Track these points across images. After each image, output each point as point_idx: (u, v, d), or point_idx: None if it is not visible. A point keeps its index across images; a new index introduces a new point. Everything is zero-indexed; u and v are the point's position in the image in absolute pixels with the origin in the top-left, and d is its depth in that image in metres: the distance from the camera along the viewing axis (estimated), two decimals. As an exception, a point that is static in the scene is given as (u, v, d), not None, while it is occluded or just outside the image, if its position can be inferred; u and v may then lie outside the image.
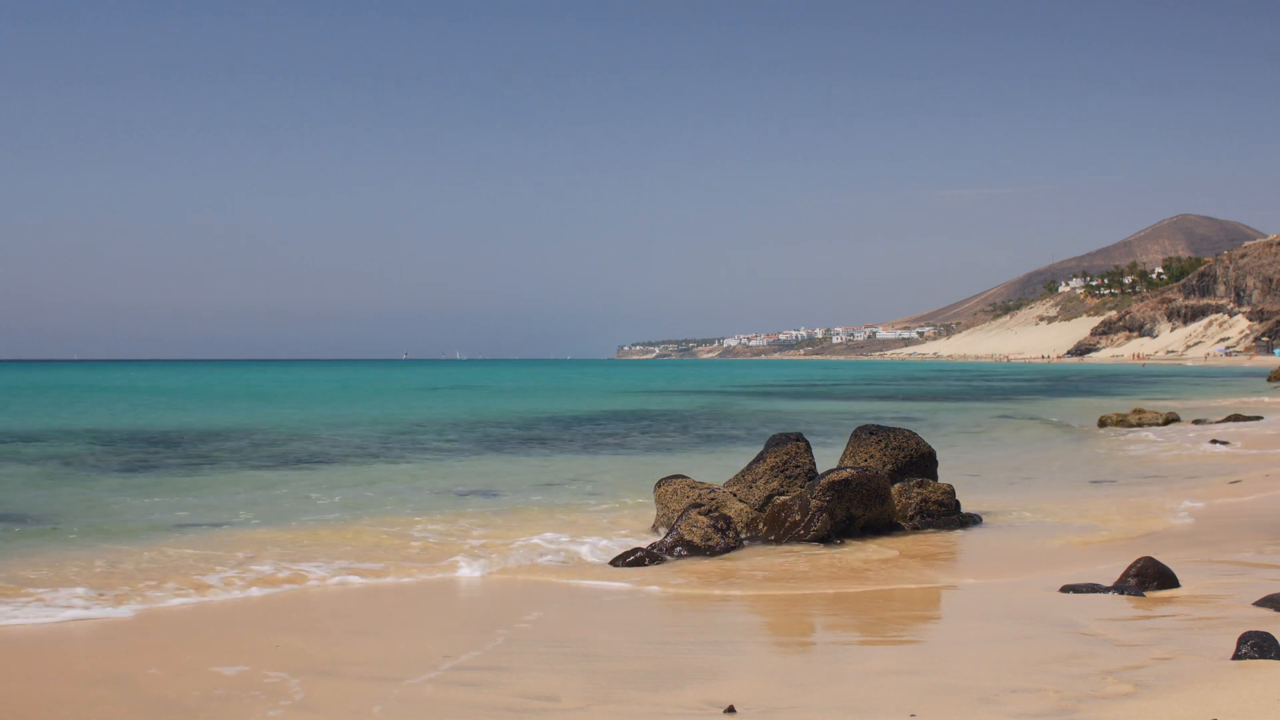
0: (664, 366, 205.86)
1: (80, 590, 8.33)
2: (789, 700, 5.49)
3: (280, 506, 13.84)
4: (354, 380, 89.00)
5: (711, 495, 11.65)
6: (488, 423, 32.31)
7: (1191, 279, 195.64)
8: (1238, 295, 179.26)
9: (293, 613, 7.89)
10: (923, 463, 12.12)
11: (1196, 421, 28.61)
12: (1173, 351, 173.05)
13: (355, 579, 9.10)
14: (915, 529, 11.25)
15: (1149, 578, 8.40)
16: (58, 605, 7.86)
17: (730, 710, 5.30)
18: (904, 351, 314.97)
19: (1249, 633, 5.98)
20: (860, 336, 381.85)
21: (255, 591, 8.60)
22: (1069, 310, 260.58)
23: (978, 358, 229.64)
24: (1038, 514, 12.36)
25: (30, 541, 10.92)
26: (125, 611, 7.81)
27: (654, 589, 8.86)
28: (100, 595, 8.23)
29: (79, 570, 9.24)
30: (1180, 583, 8.33)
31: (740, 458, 18.47)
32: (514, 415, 36.42)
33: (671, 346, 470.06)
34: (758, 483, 11.58)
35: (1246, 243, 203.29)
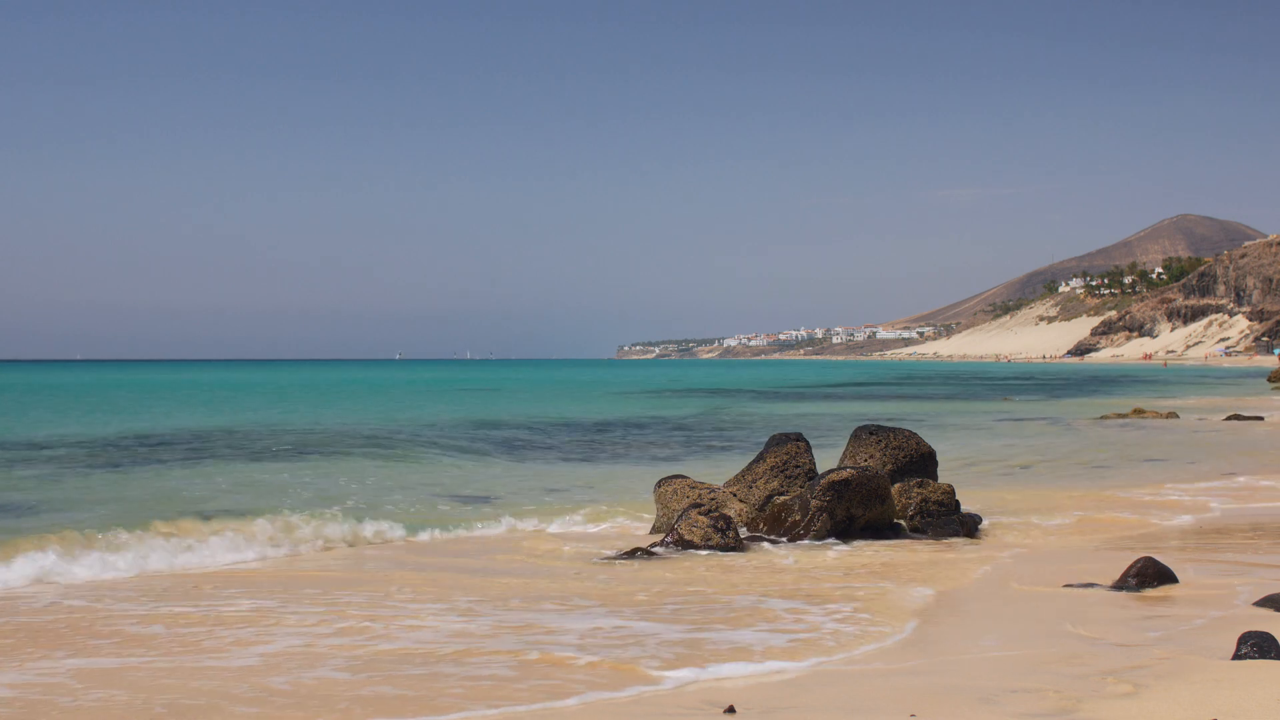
0: (664, 366, 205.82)
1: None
2: (789, 700, 5.49)
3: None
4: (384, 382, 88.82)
5: (711, 495, 11.66)
6: (488, 424, 32.30)
7: (1191, 279, 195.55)
8: (1238, 295, 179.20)
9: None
10: (923, 462, 12.11)
11: (1197, 420, 28.64)
12: (1172, 351, 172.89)
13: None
14: (915, 529, 11.25)
15: (1149, 577, 8.40)
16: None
17: (730, 710, 5.30)
18: (904, 351, 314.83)
19: (1249, 633, 5.99)
20: (860, 336, 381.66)
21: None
22: (1069, 310, 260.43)
23: (980, 357, 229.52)
24: (1038, 513, 12.36)
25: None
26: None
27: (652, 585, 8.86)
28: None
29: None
30: (1180, 582, 8.33)
31: (740, 458, 18.46)
32: (514, 416, 36.42)
33: (671, 346, 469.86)
34: (758, 483, 11.58)
35: (1246, 243, 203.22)
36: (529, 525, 12.03)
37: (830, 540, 10.73)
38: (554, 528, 11.91)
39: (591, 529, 11.92)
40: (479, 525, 12.02)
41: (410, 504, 14.10)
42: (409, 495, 15.05)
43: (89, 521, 11.66)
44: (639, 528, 11.95)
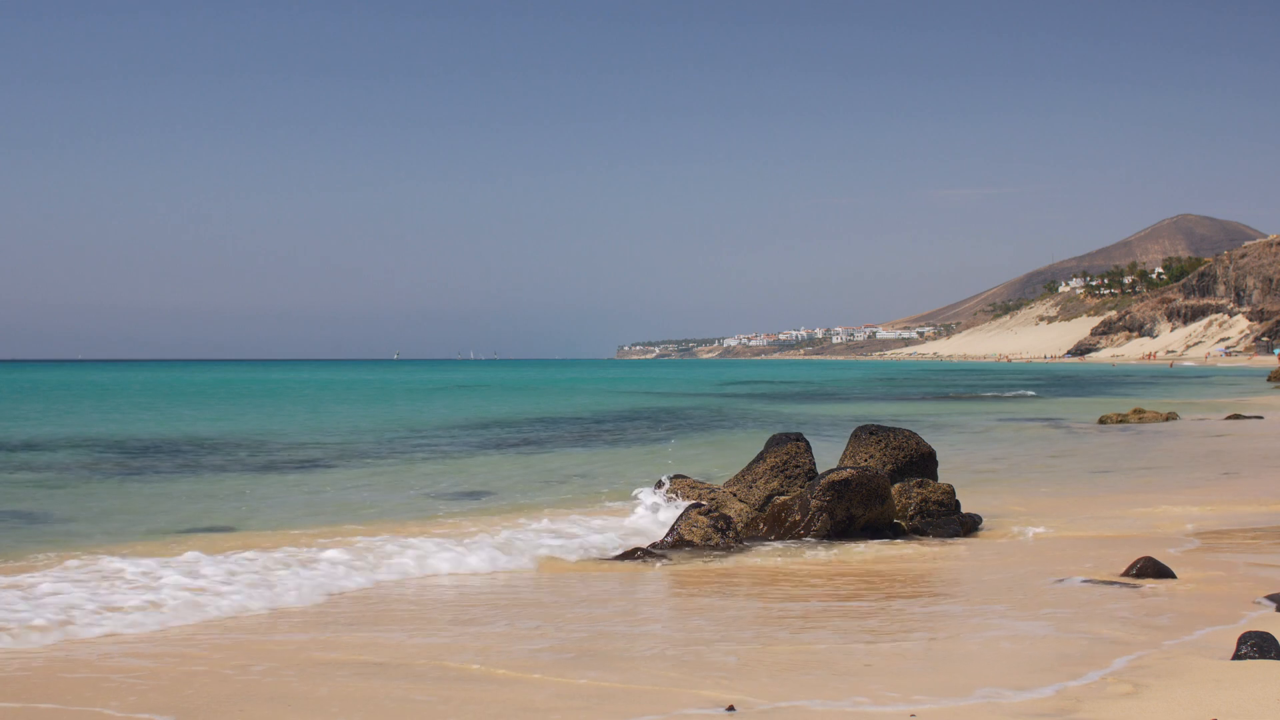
0: (664, 366, 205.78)
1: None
2: (790, 699, 5.49)
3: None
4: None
5: (711, 495, 11.66)
6: (488, 422, 32.31)
7: (1191, 279, 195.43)
8: (1238, 295, 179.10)
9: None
10: (923, 463, 12.11)
11: (1197, 420, 28.64)
12: (1172, 351, 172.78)
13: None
14: (915, 529, 11.25)
15: (1149, 576, 8.41)
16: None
17: (730, 709, 5.30)
18: (904, 351, 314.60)
19: (1249, 633, 5.99)
20: (860, 336, 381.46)
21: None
22: (1069, 310, 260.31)
23: (983, 357, 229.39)
24: (1037, 513, 12.36)
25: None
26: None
27: (655, 587, 8.88)
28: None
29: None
30: (1180, 581, 8.33)
31: (740, 458, 18.46)
32: (515, 415, 36.42)
33: (671, 346, 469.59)
34: (758, 483, 11.59)
35: (1246, 243, 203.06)
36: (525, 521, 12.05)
37: (830, 540, 10.73)
38: (552, 531, 11.90)
39: (595, 530, 11.91)
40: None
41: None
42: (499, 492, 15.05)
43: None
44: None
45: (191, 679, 6.00)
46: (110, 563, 8.92)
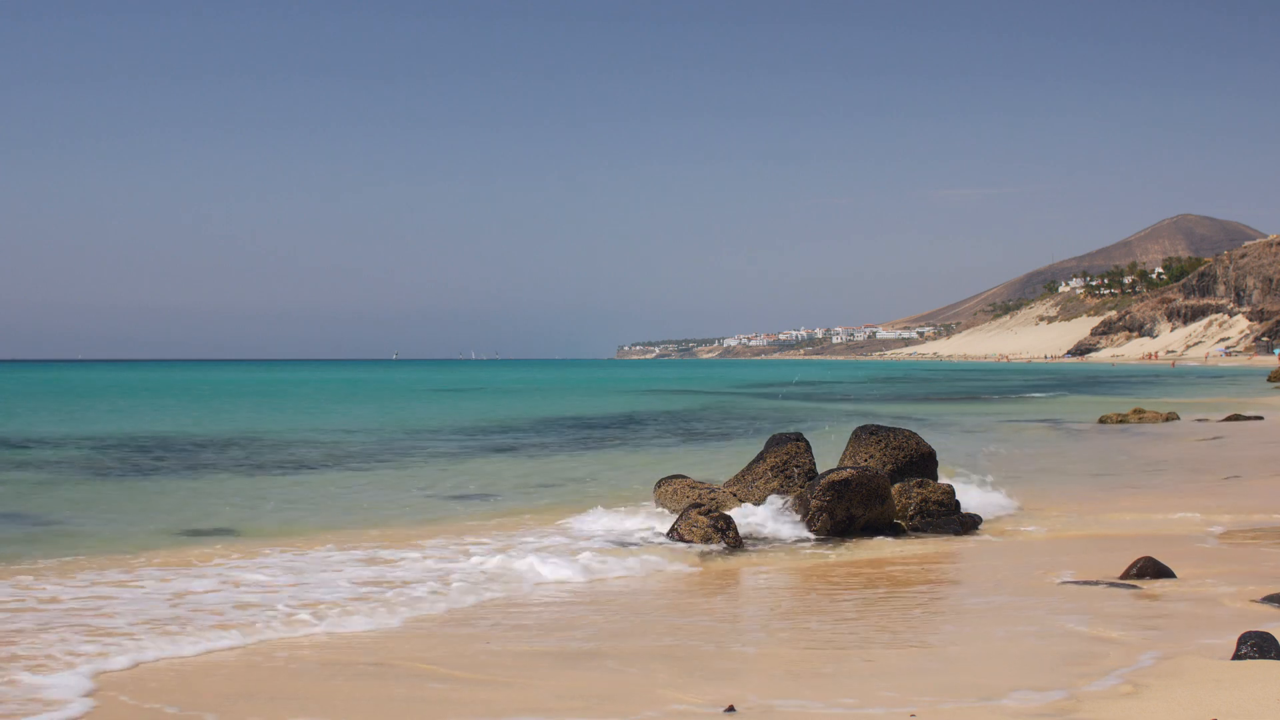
0: (664, 367, 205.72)
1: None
2: (789, 699, 5.50)
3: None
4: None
5: (711, 495, 11.67)
6: (488, 424, 32.31)
7: (1191, 279, 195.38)
8: (1238, 295, 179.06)
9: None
10: (923, 463, 12.13)
11: (1197, 420, 28.63)
12: (1172, 351, 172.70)
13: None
14: (915, 529, 11.26)
15: (1149, 577, 8.42)
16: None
17: (730, 709, 5.30)
18: (904, 351, 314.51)
19: (1249, 633, 5.99)
20: (860, 336, 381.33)
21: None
22: (1069, 310, 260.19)
23: (983, 357, 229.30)
24: (1038, 514, 12.37)
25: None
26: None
27: (656, 588, 8.88)
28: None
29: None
30: (1180, 581, 8.34)
31: (740, 457, 18.46)
32: (514, 416, 36.42)
33: (671, 346, 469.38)
34: (758, 483, 11.60)
35: (1246, 243, 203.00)
36: (523, 524, 12.05)
37: (831, 540, 10.74)
38: (550, 536, 11.92)
39: (594, 534, 11.91)
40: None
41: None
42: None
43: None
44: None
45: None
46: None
